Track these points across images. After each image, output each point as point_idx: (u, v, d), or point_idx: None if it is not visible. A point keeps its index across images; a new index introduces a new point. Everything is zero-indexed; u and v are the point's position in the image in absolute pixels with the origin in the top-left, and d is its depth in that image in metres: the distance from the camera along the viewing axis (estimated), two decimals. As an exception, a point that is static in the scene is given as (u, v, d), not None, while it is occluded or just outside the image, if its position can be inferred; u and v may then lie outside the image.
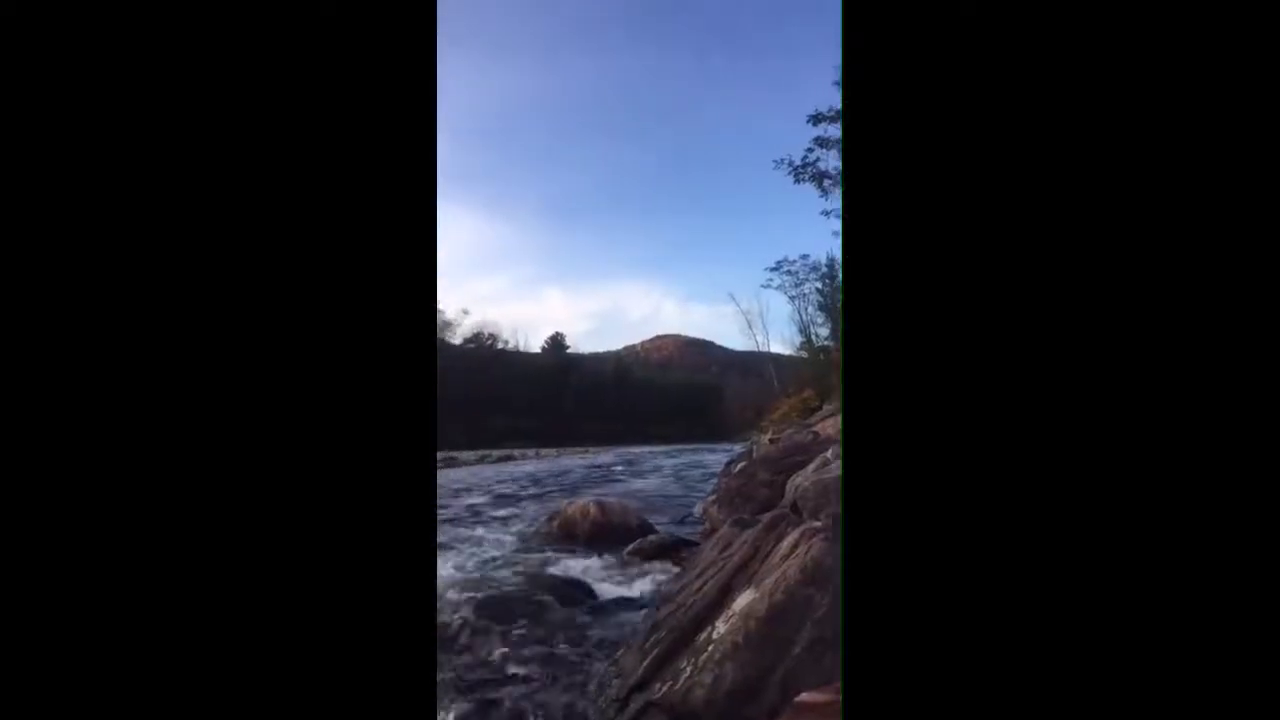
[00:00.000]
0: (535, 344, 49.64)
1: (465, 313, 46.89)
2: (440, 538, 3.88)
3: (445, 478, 9.53)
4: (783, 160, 15.81)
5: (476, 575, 2.80)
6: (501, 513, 5.17)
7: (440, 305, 44.22)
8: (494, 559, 3.20)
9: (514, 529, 4.25)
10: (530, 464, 13.96)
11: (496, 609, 2.20)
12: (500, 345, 46.07)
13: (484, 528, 4.34)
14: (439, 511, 5.20)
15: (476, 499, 6.26)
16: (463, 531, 4.15)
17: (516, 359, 45.85)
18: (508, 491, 7.03)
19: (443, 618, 2.11)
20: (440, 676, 1.67)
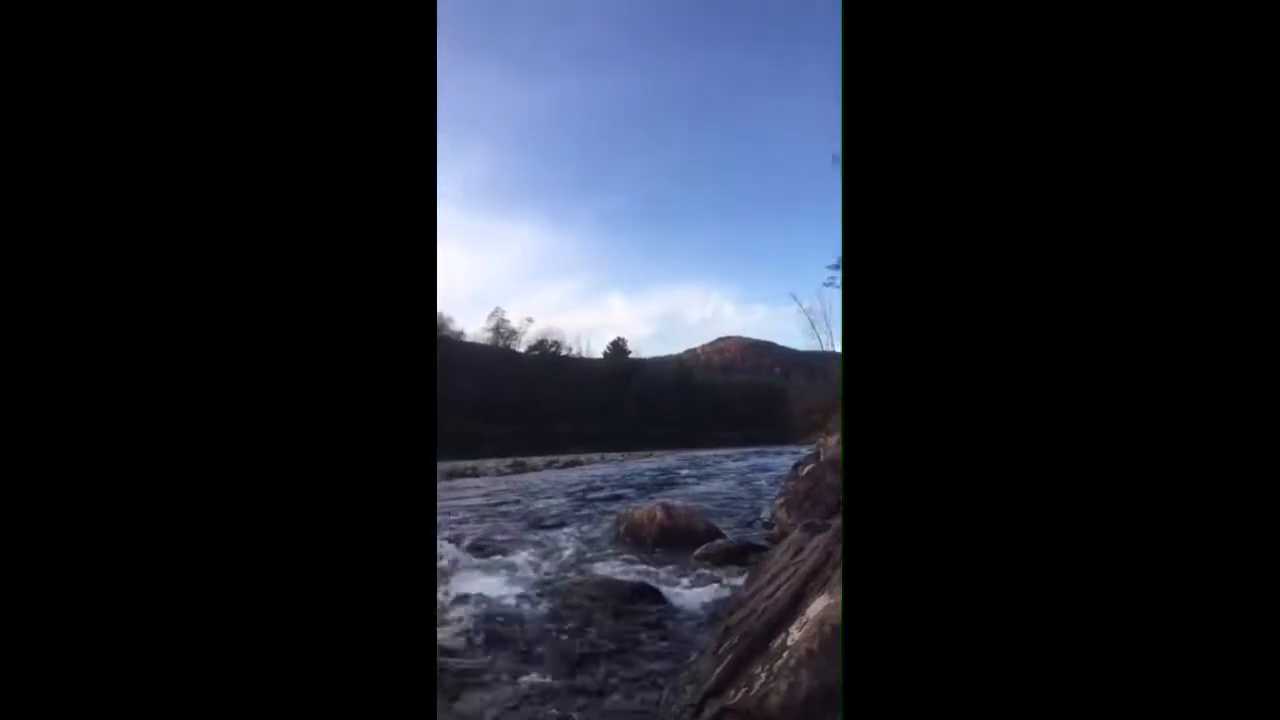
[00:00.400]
0: (597, 350, 50.24)
1: (529, 321, 48.15)
2: (527, 537, 3.99)
3: (514, 482, 9.77)
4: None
5: (549, 576, 2.88)
6: (573, 515, 5.27)
7: (506, 315, 45.52)
8: (566, 561, 3.27)
9: (584, 531, 4.33)
10: (597, 468, 14.12)
11: (567, 609, 2.26)
12: (564, 352, 46.87)
13: (556, 530, 4.44)
14: (521, 516, 5.34)
15: (546, 502, 6.40)
16: (540, 534, 4.25)
17: (579, 365, 46.49)
18: (578, 495, 7.15)
19: (519, 615, 2.18)
20: (521, 669, 1.74)
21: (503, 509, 5.85)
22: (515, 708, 1.58)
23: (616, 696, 1.63)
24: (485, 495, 7.46)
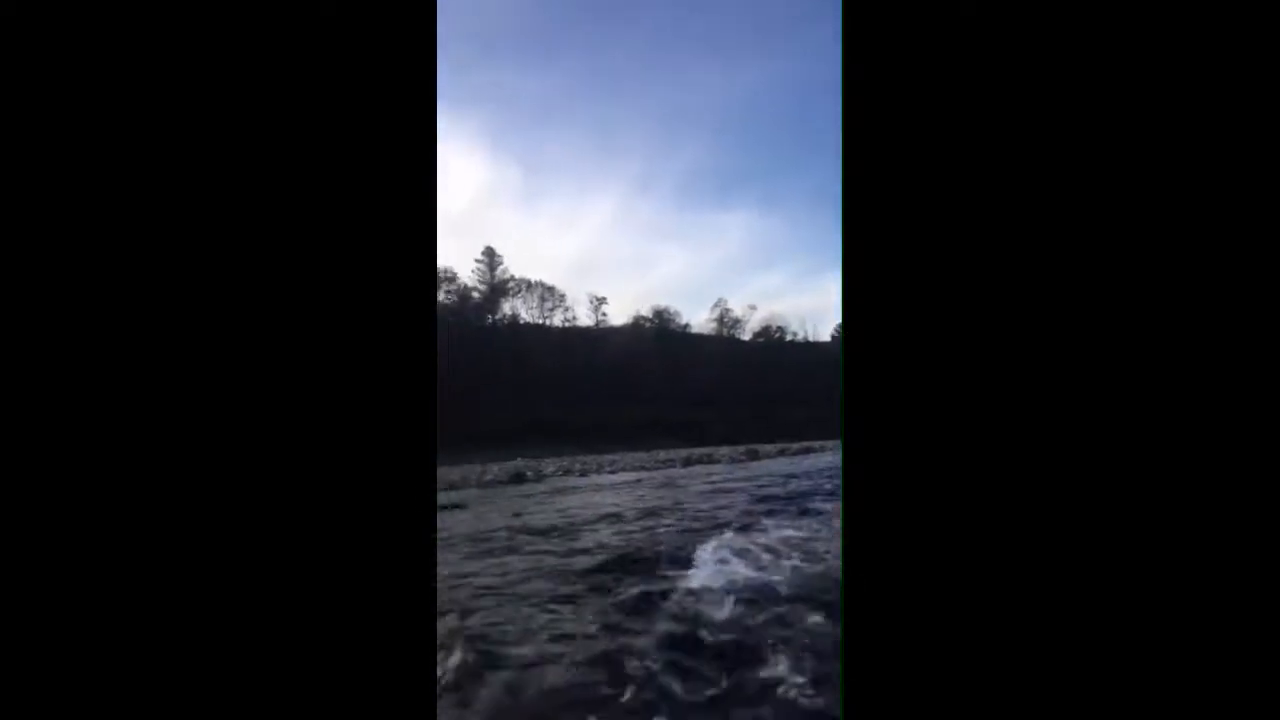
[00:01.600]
0: (824, 333, 48.46)
1: (752, 309, 48.54)
2: (783, 522, 3.89)
3: (749, 469, 9.76)
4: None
5: (792, 571, 2.69)
6: (822, 501, 5.00)
7: (729, 305, 46.40)
8: (814, 552, 3.05)
9: (828, 521, 4.05)
10: (832, 455, 13.48)
11: (816, 603, 2.05)
12: (789, 337, 46.15)
13: (803, 519, 4.23)
14: (759, 503, 5.28)
15: (786, 488, 6.21)
16: (789, 521, 4.10)
17: (806, 349, 45.34)
18: (819, 481, 6.83)
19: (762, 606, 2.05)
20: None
21: (742, 494, 5.82)
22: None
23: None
24: (729, 480, 7.53)
